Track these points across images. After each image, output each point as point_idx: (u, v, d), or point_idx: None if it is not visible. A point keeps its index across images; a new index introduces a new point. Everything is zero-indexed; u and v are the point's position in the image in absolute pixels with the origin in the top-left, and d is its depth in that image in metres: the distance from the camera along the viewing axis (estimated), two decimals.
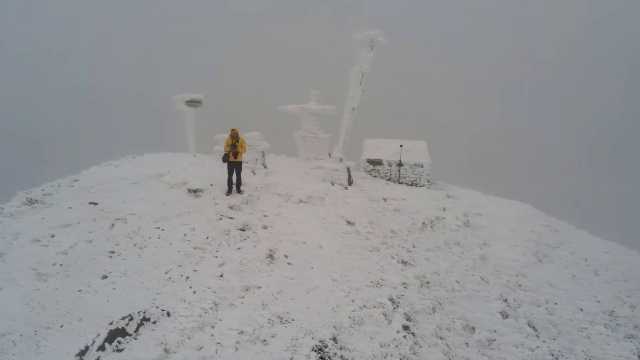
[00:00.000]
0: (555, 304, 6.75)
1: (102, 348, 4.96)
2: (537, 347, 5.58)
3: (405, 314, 5.97)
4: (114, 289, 6.44)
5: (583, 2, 62.70)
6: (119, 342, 5.09)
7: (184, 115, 15.25)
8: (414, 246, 8.26)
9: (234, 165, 10.86)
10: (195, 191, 10.64)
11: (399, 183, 13.62)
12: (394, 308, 6.07)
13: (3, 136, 50.47)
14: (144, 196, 10.41)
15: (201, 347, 5.10)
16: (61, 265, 7.14)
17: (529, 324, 6.14)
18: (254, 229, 8.57)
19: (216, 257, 7.39)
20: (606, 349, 5.80)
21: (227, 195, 10.80)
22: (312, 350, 4.95)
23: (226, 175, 10.96)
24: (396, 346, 5.24)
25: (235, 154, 10.70)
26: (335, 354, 4.98)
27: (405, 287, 6.68)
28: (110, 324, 5.33)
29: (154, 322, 5.52)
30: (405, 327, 5.68)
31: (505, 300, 6.70)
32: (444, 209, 10.36)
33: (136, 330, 5.34)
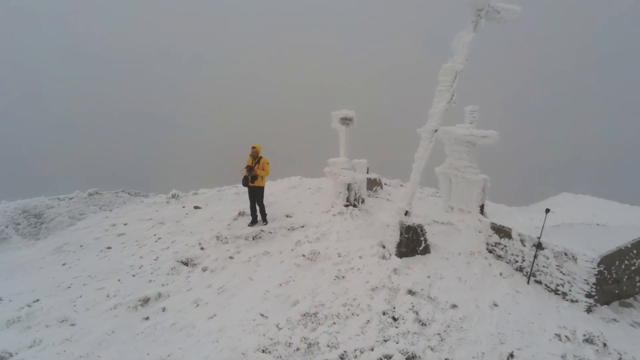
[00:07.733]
0: None
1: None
2: None
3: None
4: (152, 251, 10.25)
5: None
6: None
7: (338, 132, 12.56)
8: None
9: (253, 192, 9.02)
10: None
11: (535, 281, 7.43)
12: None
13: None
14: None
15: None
16: (155, 235, 11.57)
17: None
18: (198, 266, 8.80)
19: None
20: None
21: (250, 226, 9.27)
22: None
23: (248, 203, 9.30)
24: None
25: (253, 178, 8.75)
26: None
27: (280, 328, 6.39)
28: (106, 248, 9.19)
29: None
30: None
31: None
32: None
33: None
